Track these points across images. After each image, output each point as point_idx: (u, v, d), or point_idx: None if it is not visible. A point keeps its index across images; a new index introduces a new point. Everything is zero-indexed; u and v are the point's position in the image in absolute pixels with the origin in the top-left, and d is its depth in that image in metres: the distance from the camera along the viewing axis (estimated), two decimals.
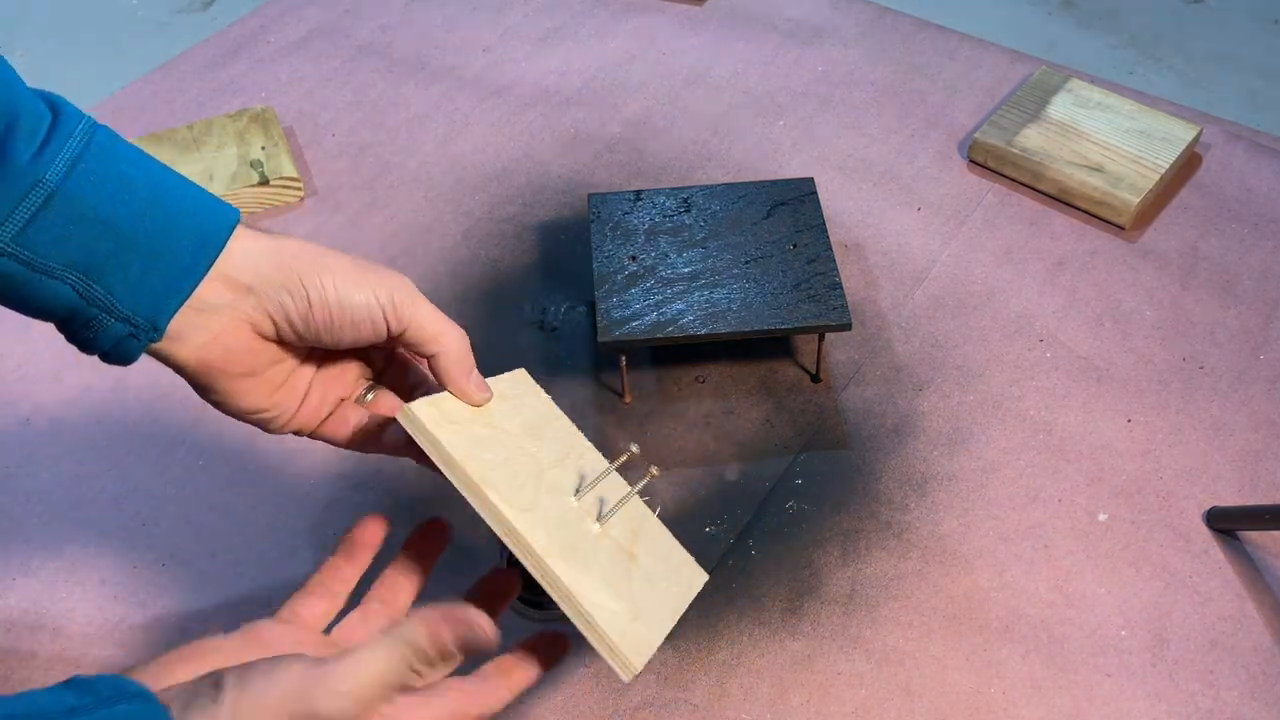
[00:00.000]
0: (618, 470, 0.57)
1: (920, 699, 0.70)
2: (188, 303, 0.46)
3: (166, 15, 1.32)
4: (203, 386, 0.49)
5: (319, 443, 0.88)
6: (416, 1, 1.27)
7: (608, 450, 0.83)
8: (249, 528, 0.80)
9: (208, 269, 0.46)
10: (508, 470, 0.51)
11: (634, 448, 0.55)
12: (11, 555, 0.79)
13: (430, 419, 0.49)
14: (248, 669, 0.40)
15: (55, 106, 0.45)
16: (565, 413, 0.90)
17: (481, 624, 0.43)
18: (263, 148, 1.04)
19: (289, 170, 1.02)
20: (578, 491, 0.55)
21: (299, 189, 1.03)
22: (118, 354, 0.47)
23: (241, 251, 0.47)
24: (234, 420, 0.53)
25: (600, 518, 0.54)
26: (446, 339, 0.51)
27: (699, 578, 0.59)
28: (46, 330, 0.46)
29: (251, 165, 1.02)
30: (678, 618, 0.55)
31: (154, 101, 1.15)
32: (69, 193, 0.43)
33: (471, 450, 0.50)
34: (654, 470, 0.55)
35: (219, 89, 1.16)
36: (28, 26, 1.31)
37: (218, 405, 0.51)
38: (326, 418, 0.55)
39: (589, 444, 0.61)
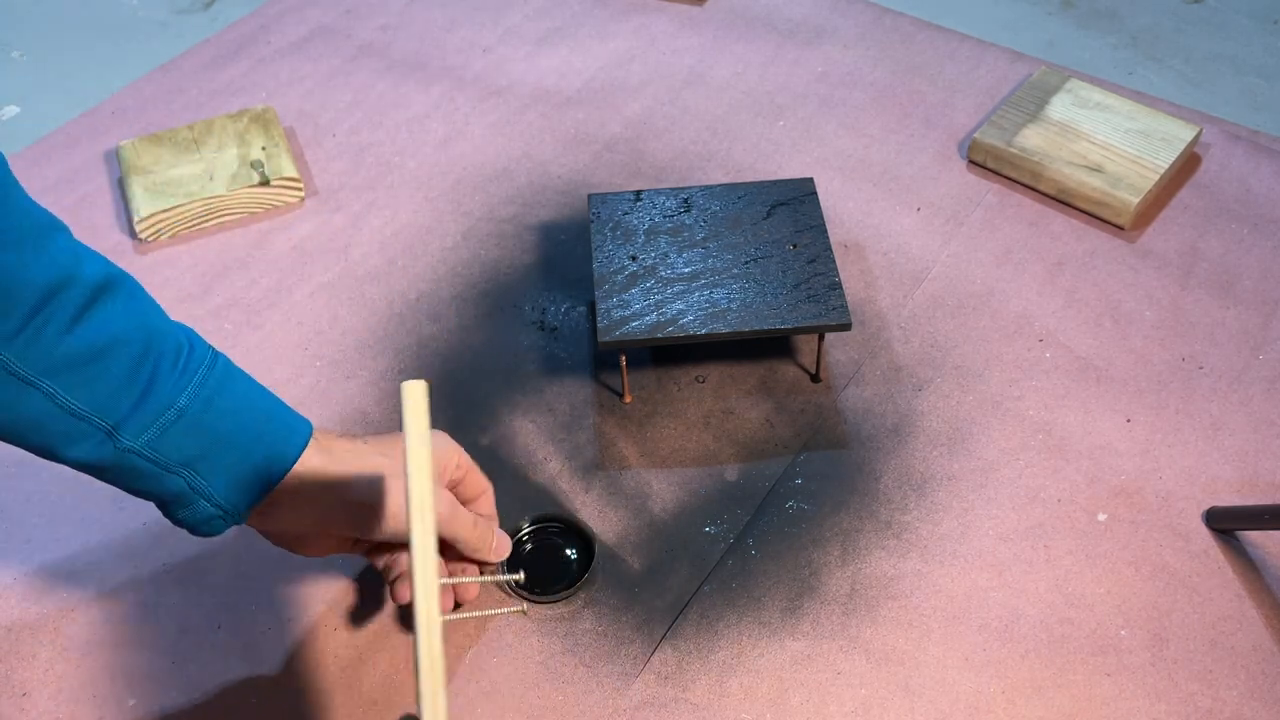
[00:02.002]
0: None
1: (920, 699, 0.70)
2: None
3: (166, 15, 1.32)
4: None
5: None
6: (416, 1, 1.27)
7: (605, 451, 0.83)
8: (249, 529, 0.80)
9: (283, 475, 0.60)
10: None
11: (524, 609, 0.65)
12: (11, 555, 0.79)
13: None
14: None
15: (191, 340, 0.59)
16: (565, 412, 0.90)
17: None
18: (263, 148, 1.04)
19: (289, 171, 1.02)
20: None
21: (299, 189, 1.03)
22: (205, 529, 0.61)
23: (308, 474, 0.61)
24: None
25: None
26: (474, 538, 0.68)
27: None
28: None
29: (252, 165, 1.02)
30: None
31: (154, 101, 1.15)
32: (192, 412, 0.56)
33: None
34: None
35: (219, 89, 1.16)
36: (28, 26, 1.31)
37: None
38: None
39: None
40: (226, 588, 0.77)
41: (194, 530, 0.61)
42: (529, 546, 0.78)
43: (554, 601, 0.74)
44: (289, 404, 0.63)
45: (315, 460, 0.61)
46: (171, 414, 0.55)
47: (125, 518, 0.81)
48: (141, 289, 0.58)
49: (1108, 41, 1.24)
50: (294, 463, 0.60)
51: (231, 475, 0.58)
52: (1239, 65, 1.19)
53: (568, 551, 0.77)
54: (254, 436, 0.59)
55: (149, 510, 0.81)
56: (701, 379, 0.88)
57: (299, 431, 0.61)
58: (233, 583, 0.77)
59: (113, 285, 0.55)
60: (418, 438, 0.50)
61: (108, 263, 0.56)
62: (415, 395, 0.51)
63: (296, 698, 0.71)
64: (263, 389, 0.61)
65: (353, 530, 0.64)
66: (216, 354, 0.59)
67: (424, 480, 0.49)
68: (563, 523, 0.79)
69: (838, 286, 0.83)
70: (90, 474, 0.57)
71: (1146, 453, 0.82)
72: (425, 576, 0.48)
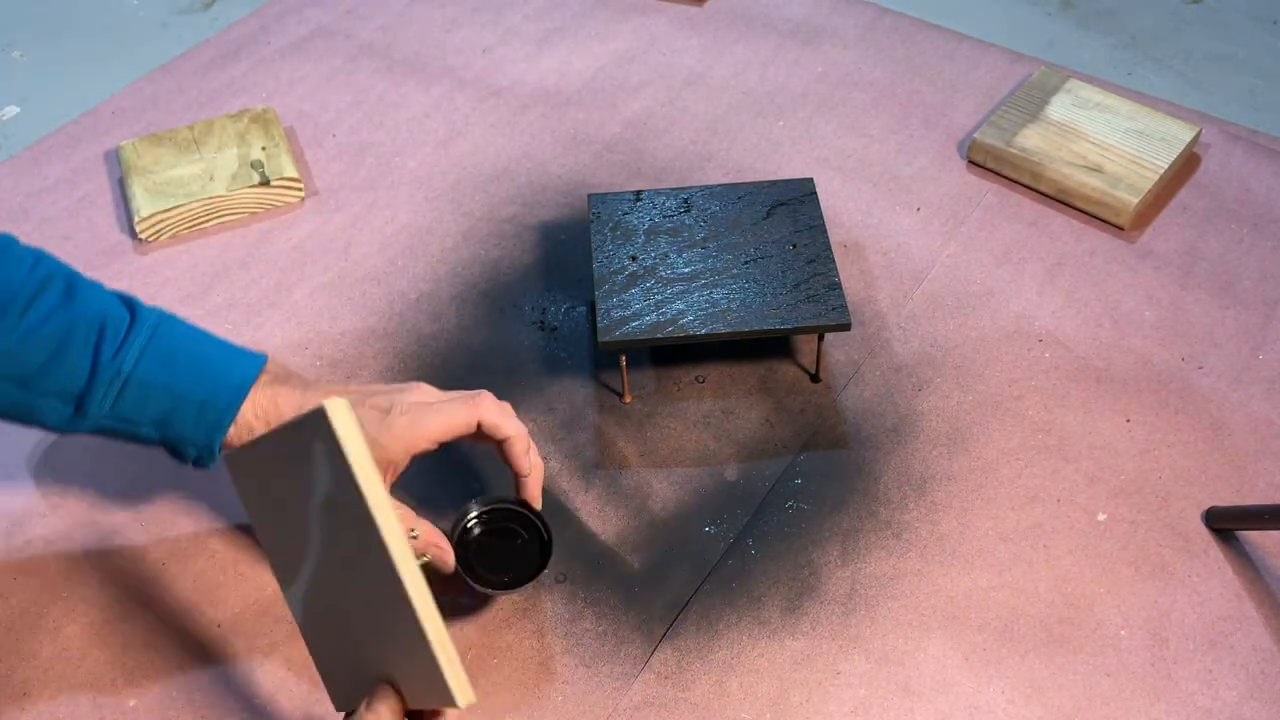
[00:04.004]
0: None
1: (920, 699, 0.70)
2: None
3: (167, 15, 1.32)
4: None
5: None
6: (416, 2, 1.27)
7: (605, 451, 0.83)
8: (249, 528, 0.80)
9: (239, 409, 0.65)
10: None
11: None
12: (12, 555, 0.79)
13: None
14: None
15: (132, 307, 0.64)
16: (565, 412, 0.90)
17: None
18: (263, 148, 1.04)
19: (290, 171, 1.02)
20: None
21: (300, 189, 1.03)
22: (199, 464, 0.67)
23: (261, 403, 0.66)
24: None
25: None
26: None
27: None
28: None
29: (252, 166, 1.02)
30: None
31: (154, 101, 1.15)
32: (139, 376, 0.63)
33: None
34: None
35: (220, 89, 1.16)
36: (28, 26, 1.31)
37: None
38: None
39: None
40: (227, 587, 0.77)
41: (194, 465, 0.68)
42: (476, 532, 0.74)
43: (509, 591, 0.72)
44: None
45: (276, 388, 0.66)
46: (118, 382, 0.62)
47: (125, 517, 0.81)
48: (79, 276, 0.64)
49: (1107, 42, 1.24)
50: (246, 393, 0.65)
51: (192, 420, 0.64)
52: (1239, 65, 1.19)
53: (518, 541, 0.74)
54: (206, 378, 0.64)
55: (149, 509, 0.82)
56: (701, 379, 0.88)
57: (250, 363, 0.66)
58: (233, 581, 0.77)
59: (51, 280, 0.62)
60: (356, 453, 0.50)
61: (48, 258, 0.63)
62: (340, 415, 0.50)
63: (300, 697, 0.71)
64: (211, 337, 0.67)
65: None
66: (161, 316, 0.65)
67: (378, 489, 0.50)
68: (513, 508, 0.75)
69: (837, 286, 0.83)
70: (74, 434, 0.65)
71: (1146, 453, 0.82)
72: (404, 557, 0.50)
